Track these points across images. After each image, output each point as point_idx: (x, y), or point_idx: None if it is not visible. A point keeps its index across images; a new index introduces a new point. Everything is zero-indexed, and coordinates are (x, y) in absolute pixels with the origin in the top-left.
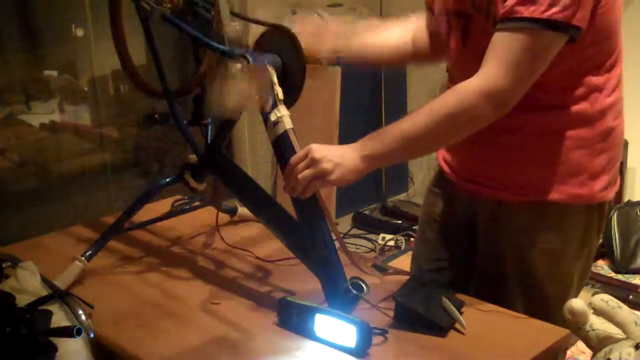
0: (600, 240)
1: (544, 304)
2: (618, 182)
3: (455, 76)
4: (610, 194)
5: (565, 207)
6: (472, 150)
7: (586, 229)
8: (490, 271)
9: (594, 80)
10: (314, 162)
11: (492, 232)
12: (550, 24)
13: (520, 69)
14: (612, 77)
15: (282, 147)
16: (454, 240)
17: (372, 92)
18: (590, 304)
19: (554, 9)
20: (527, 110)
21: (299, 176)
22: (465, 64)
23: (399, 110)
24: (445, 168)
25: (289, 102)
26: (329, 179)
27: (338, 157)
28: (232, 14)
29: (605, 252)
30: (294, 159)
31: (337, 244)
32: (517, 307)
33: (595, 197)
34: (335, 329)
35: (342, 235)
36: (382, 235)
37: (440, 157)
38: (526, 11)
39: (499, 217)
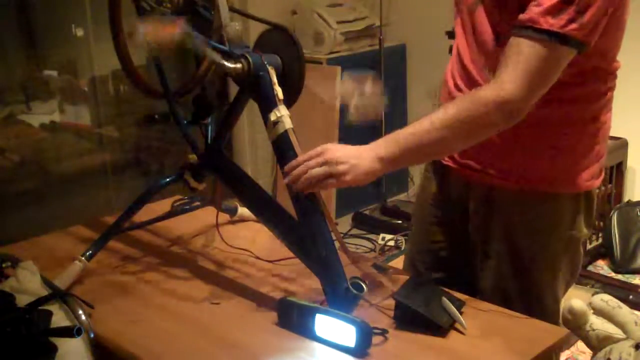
0: (600, 241)
1: (534, 291)
2: (603, 172)
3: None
4: (597, 183)
5: (554, 195)
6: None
7: (573, 216)
8: (483, 255)
9: (593, 78)
10: (329, 162)
11: (483, 217)
12: (565, 39)
13: (535, 79)
14: (610, 77)
15: (282, 147)
16: (448, 223)
17: None
18: (590, 304)
19: (572, 25)
20: None
21: (311, 172)
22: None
23: (399, 110)
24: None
25: (289, 102)
26: (344, 180)
27: (354, 158)
28: (232, 9)
29: (605, 252)
30: (307, 154)
31: (337, 244)
32: (510, 292)
33: (582, 186)
34: (335, 329)
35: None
36: (382, 235)
37: None
38: (546, 23)
39: (491, 202)
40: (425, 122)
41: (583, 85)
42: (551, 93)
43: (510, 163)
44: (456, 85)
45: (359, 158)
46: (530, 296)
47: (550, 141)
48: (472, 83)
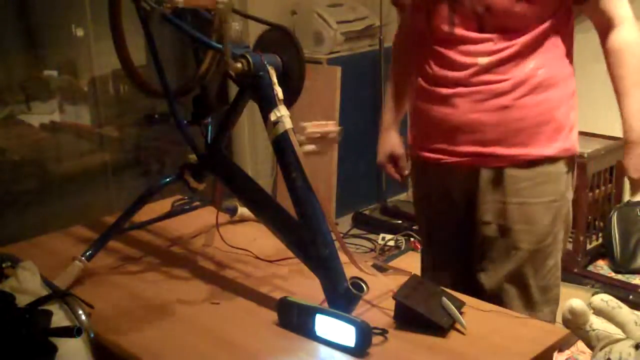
0: (600, 241)
1: (548, 267)
2: None
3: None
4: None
5: (556, 161)
6: (474, 121)
7: (569, 179)
8: (498, 240)
9: (568, 43)
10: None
11: (495, 197)
12: None
13: None
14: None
15: (282, 147)
16: (454, 215)
17: (372, 92)
18: (590, 304)
19: None
20: (523, 72)
21: None
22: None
23: None
24: (435, 157)
25: (289, 102)
26: None
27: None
28: (232, 10)
29: (605, 252)
30: None
31: (337, 244)
32: (526, 272)
33: (574, 149)
34: (335, 329)
35: (342, 235)
36: (382, 235)
37: (421, 151)
38: None
39: (501, 181)
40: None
41: (565, 53)
42: (543, 60)
43: (515, 138)
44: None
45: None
46: (546, 274)
47: (545, 109)
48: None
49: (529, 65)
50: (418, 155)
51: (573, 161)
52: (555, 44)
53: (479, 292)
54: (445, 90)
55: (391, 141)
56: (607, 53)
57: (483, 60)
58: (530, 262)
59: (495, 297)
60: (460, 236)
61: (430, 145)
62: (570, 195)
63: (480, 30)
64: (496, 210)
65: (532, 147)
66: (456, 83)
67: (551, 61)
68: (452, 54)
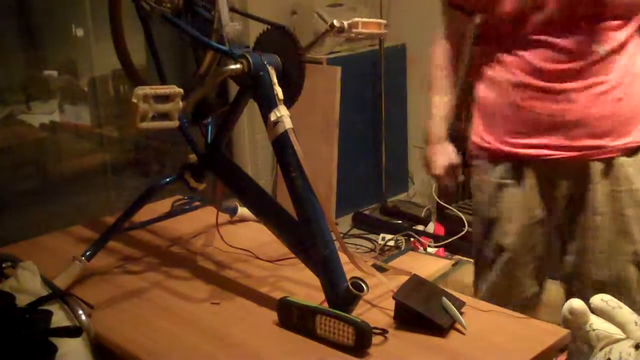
0: None
1: None
2: None
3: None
4: None
5: None
6: (592, 115)
7: None
8: (609, 229)
9: None
10: None
11: (606, 187)
12: None
13: None
14: None
15: (282, 147)
16: (552, 213)
17: (372, 92)
18: (590, 304)
19: None
20: (633, 61)
21: None
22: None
23: (399, 110)
24: (539, 153)
25: (289, 102)
26: None
27: None
28: (232, 9)
29: None
30: None
31: (337, 244)
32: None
33: None
34: (335, 329)
35: (342, 235)
36: (382, 235)
37: (517, 148)
38: None
39: (612, 171)
40: None
41: None
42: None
43: (626, 126)
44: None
45: None
46: None
47: None
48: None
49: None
50: (509, 154)
51: None
52: None
53: (570, 292)
54: (558, 85)
55: (448, 152)
56: None
57: (603, 49)
58: None
59: (613, 286)
60: (550, 236)
61: (532, 142)
62: None
63: (602, 16)
64: (608, 199)
65: (638, 134)
66: (572, 75)
67: None
68: (568, 43)
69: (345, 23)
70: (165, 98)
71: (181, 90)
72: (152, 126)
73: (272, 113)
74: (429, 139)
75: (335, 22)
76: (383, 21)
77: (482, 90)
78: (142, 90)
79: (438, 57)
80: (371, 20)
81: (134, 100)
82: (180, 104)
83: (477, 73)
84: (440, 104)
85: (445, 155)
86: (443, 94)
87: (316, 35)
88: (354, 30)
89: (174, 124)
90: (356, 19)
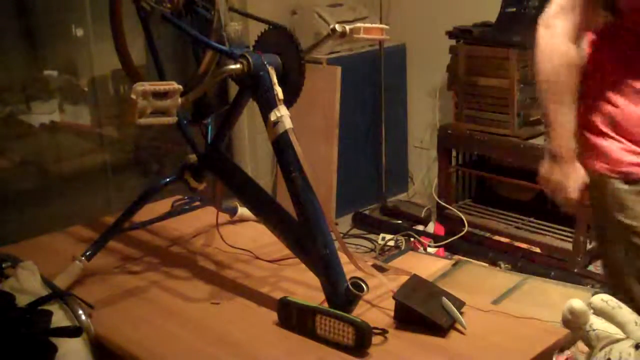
0: None
1: None
2: None
3: None
4: None
5: None
6: None
7: None
8: None
9: None
10: None
11: None
12: None
13: None
14: None
15: (282, 147)
16: None
17: (372, 92)
18: (590, 304)
19: None
20: None
21: None
22: None
23: (399, 110)
24: None
25: (289, 102)
26: None
27: None
28: (232, 9)
29: None
30: None
31: (337, 244)
32: None
33: None
34: (335, 329)
35: (342, 235)
36: (382, 235)
37: None
38: None
39: None
40: None
41: None
42: None
43: None
44: None
45: None
46: None
47: None
48: None
49: None
50: None
51: None
52: None
53: None
54: None
55: (581, 172)
56: None
57: None
58: None
59: None
60: None
61: None
62: None
63: None
64: None
65: None
66: None
67: None
68: None
69: (347, 28)
70: (164, 94)
71: (180, 86)
72: (151, 122)
73: (272, 113)
74: (558, 158)
75: (338, 27)
76: (385, 26)
77: (624, 103)
78: (141, 86)
79: (562, 57)
80: (373, 25)
81: (133, 96)
82: (179, 100)
83: (606, 82)
84: (570, 115)
85: (579, 175)
86: (572, 102)
87: (316, 35)
88: (355, 35)
89: (172, 119)
90: (358, 25)
